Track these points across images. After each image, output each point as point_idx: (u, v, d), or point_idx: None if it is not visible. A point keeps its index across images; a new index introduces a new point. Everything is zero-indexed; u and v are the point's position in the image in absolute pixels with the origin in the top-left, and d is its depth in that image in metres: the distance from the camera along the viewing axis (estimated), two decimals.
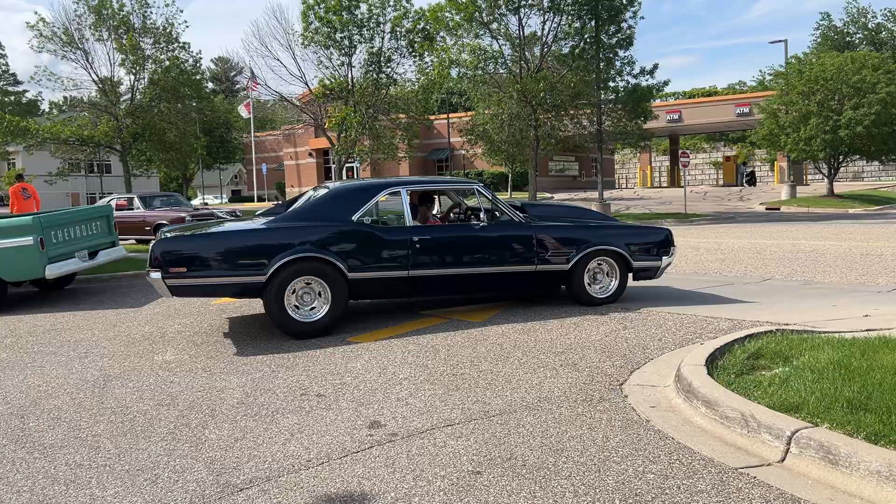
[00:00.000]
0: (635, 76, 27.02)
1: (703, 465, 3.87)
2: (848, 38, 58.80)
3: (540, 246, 7.90)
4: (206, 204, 50.23)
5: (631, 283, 9.02)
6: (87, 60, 35.82)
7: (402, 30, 28.65)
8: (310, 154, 54.89)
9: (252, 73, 53.31)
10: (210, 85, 77.88)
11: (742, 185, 53.90)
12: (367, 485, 3.86)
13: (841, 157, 33.77)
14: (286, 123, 40.63)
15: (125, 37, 35.60)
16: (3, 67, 41.59)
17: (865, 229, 19.14)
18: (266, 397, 5.52)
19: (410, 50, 27.82)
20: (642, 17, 26.69)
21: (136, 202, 20.73)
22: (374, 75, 28.46)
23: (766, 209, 31.99)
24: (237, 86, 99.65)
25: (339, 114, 29.55)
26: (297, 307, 7.25)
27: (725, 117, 50.99)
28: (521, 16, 26.03)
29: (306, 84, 31.01)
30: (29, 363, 6.99)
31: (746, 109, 47.50)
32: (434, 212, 8.69)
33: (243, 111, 59.14)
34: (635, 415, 4.71)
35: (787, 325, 6.71)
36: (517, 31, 26.41)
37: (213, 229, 7.71)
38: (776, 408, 4.24)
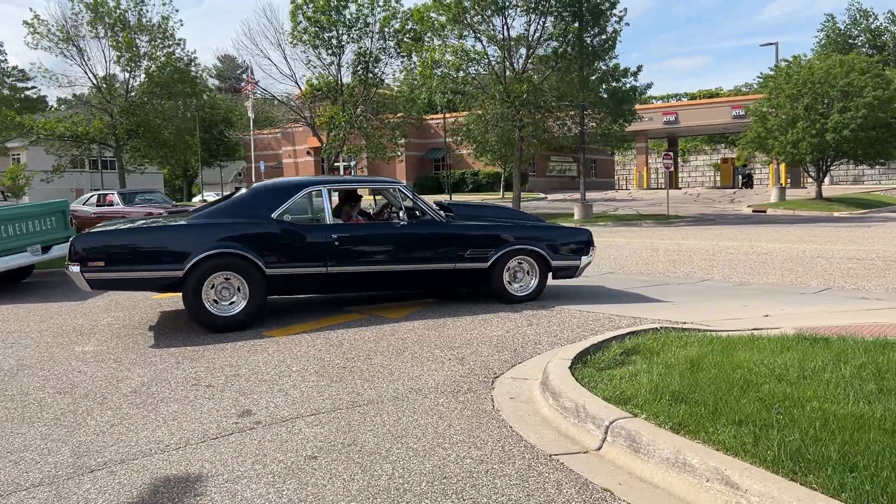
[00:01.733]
0: (617, 78, 27.18)
1: (521, 452, 4.08)
2: (851, 41, 58.84)
3: (459, 245, 8.12)
4: (204, 201, 50.64)
5: (566, 281, 9.26)
6: (83, 58, 36.20)
7: (391, 30, 28.94)
8: (308, 152, 55.20)
9: (251, 71, 53.75)
10: (216, 82, 78.42)
11: (739, 188, 53.91)
12: (207, 468, 4.08)
13: (829, 160, 33.83)
14: (280, 122, 40.94)
15: (121, 34, 35.92)
16: (3, 63, 41.99)
17: (834, 232, 19.27)
18: (159, 387, 5.75)
19: (398, 50, 28.07)
20: (627, 24, 26.69)
21: (116, 198, 21.06)
22: (362, 75, 28.72)
23: (753, 212, 32.10)
24: (242, 83, 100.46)
25: (327, 113, 29.86)
26: (216, 301, 7.49)
27: (722, 119, 51.03)
28: (506, 16, 26.24)
29: (297, 83, 31.36)
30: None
31: (743, 112, 47.57)
32: (357, 211, 8.89)
33: (250, 109, 59.67)
34: (490, 405, 4.92)
35: (683, 323, 6.92)
36: (501, 32, 26.61)
37: (134, 225, 7.96)
38: (610, 399, 4.45)
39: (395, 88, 30.39)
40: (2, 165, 53.01)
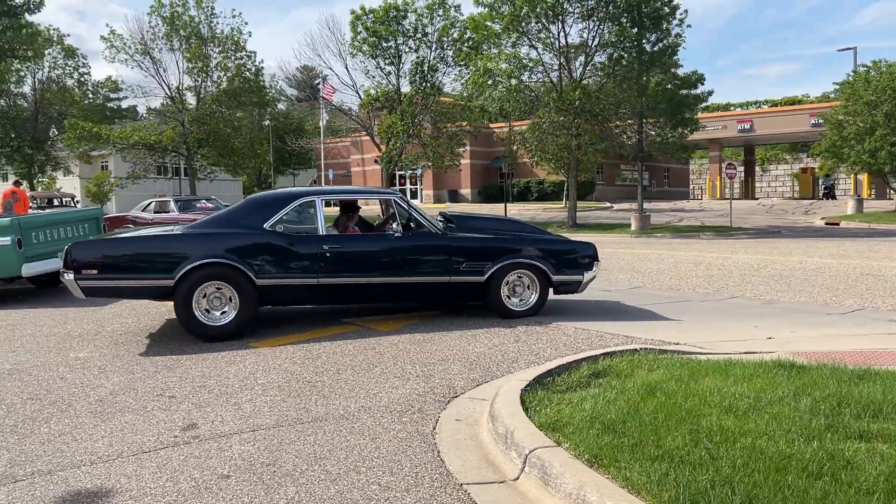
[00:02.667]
0: (678, 86, 26.43)
1: (432, 480, 3.90)
2: None
3: (454, 257, 7.95)
4: None
5: (582, 296, 8.99)
6: (158, 69, 37.54)
7: (449, 39, 28.95)
8: (375, 161, 55.69)
9: (324, 80, 54.72)
10: (294, 92, 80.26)
11: (819, 199, 51.66)
12: (121, 483, 4.05)
13: None
14: (341, 132, 41.46)
15: (194, 45, 37.08)
16: (87, 76, 43.99)
17: None
18: (124, 396, 5.78)
19: (456, 59, 28.08)
20: (689, 26, 25.90)
21: (172, 205, 21.68)
22: (419, 84, 28.82)
23: (826, 224, 30.66)
24: (319, 92, 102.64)
25: (386, 122, 30.10)
26: (207, 311, 7.53)
27: (800, 128, 49.08)
28: (563, 23, 25.86)
29: (357, 93, 31.72)
30: None
31: (821, 120, 45.62)
32: (355, 222, 8.79)
33: (323, 117, 60.85)
34: (430, 428, 4.75)
35: (676, 344, 6.58)
36: (558, 39, 26.24)
37: (129, 234, 8.09)
38: (544, 426, 4.22)
39: (454, 97, 30.33)
40: (89, 172, 55.34)
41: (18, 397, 5.88)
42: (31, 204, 29.58)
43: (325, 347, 7.11)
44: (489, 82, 24.64)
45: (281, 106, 60.70)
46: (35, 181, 44.06)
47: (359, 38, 28.90)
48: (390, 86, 29.40)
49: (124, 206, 50.10)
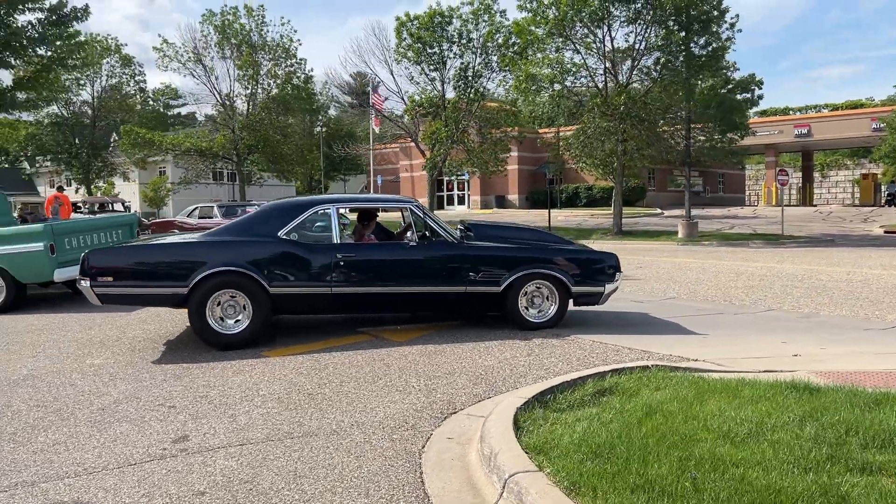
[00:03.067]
0: (731, 90, 25.76)
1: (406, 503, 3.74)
2: None
3: (470, 267, 7.77)
4: None
5: (607, 307, 8.77)
6: (209, 77, 38.26)
7: (494, 45, 28.79)
8: (423, 167, 55.91)
9: (374, 88, 55.09)
10: (348, 98, 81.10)
11: (880, 206, 49.82)
12: (98, 497, 4.00)
13: None
14: (385, 138, 41.58)
15: (245, 53, 37.66)
16: (142, 84, 45.13)
17: None
18: (126, 405, 5.77)
19: (501, 65, 27.91)
20: (739, 30, 25.21)
21: (216, 211, 21.98)
22: (463, 90, 28.73)
23: (885, 233, 29.49)
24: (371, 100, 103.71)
25: (430, 128, 30.10)
26: (221, 319, 7.51)
27: (861, 132, 47.48)
28: (610, 27, 25.46)
29: (402, 99, 31.79)
30: None
31: (883, 124, 44.05)
32: (371, 230, 8.67)
33: (373, 123, 61.34)
34: (419, 446, 4.59)
35: (693, 360, 6.30)
36: (603, 43, 25.83)
37: (146, 242, 8.12)
38: (531, 448, 4.04)
39: (499, 102, 30.14)
40: (147, 178, 56.69)
41: (26, 404, 5.92)
42: (83, 209, 30.50)
43: (334, 358, 7.01)
44: (532, 87, 24.37)
45: (332, 112, 61.35)
46: (92, 186, 45.28)
47: (403, 44, 28.96)
48: (435, 91, 29.39)
49: (181, 210, 51.27)
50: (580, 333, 7.72)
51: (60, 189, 18.98)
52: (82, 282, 7.44)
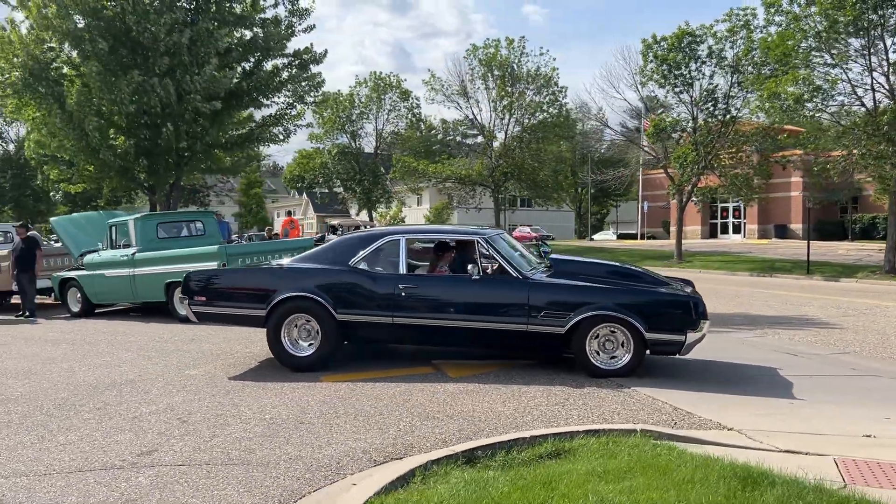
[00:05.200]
0: None
1: None
2: None
3: (531, 305, 7.30)
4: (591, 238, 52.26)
5: (725, 357, 7.82)
6: (471, 107, 40.18)
7: (748, 62, 26.62)
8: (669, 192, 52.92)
9: (647, 111, 53.77)
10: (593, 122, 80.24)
11: None
12: (22, 497, 4.47)
13: None
14: (628, 163, 39.96)
15: (506, 82, 39.00)
16: (417, 113, 48.55)
17: None
18: (157, 416, 6.26)
19: (744, 85, 25.78)
20: None
21: None
22: (711, 111, 26.95)
23: None
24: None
25: (677, 151, 28.68)
26: (296, 342, 7.90)
27: None
28: (882, 37, 22.18)
29: (651, 122, 30.63)
30: (77, 359, 9.08)
31: None
32: (447, 262, 8.41)
33: (643, 146, 59.90)
34: (308, 491, 4.46)
35: (723, 428, 5.33)
36: (878, 57, 22.53)
37: (239, 268, 8.75)
38: None
39: (754, 124, 27.66)
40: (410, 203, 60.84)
41: (92, 402, 6.74)
42: (338, 231, 33.66)
43: (377, 389, 6.95)
44: (780, 106, 21.88)
45: (608, 136, 60.87)
46: (374, 211, 49.64)
47: (649, 67, 27.92)
48: (682, 114, 27.92)
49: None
50: (650, 386, 6.86)
51: (290, 213, 21.29)
52: (183, 301, 8.27)
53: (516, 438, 4.92)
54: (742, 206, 46.02)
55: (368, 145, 47.36)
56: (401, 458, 4.86)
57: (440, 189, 42.48)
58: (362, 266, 7.89)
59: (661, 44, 27.88)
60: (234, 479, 4.66)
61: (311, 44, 20.11)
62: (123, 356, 9.31)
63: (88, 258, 13.71)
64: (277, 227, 42.89)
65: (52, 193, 37.75)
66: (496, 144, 39.18)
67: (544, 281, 7.55)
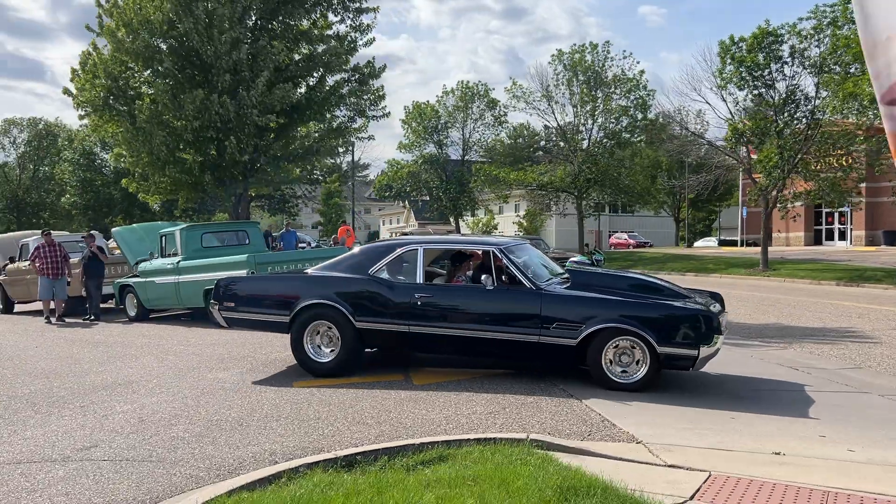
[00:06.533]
0: None
1: None
2: None
3: (543, 316, 7.33)
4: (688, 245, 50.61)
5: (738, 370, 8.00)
6: (554, 113, 39.97)
7: (835, 63, 25.31)
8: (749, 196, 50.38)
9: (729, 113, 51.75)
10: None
11: None
12: None
13: None
14: (709, 167, 38.28)
15: (591, 87, 38.61)
16: (503, 122, 48.62)
17: None
18: (117, 418, 6.65)
19: (822, 83, 24.56)
20: None
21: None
22: (792, 112, 25.79)
23: None
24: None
25: (760, 154, 27.59)
26: (319, 347, 8.23)
27: None
28: None
29: (731, 126, 29.57)
30: (101, 361, 9.75)
31: None
32: (465, 272, 8.54)
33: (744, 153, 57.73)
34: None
35: (636, 442, 5.26)
36: None
37: (266, 275, 9.22)
38: None
39: (842, 126, 26.16)
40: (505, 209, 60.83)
41: (73, 404, 7.28)
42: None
43: (332, 394, 7.22)
44: (854, 109, 20.71)
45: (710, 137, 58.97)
46: (461, 220, 50.08)
47: (727, 69, 26.96)
48: (763, 117, 26.76)
49: (563, 239, 54.25)
50: (604, 398, 6.77)
51: (343, 222, 21.94)
52: (213, 306, 8.74)
53: (406, 444, 5.04)
54: (849, 211, 43.56)
55: (455, 153, 47.85)
56: (289, 460, 5.07)
57: (525, 196, 42.40)
58: (382, 275, 8.14)
59: (740, 45, 26.92)
60: (136, 475, 4.98)
61: (374, 58, 20.58)
62: (144, 358, 9.95)
63: (142, 266, 14.65)
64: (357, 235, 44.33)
65: (153, 205, 40.07)
66: (579, 150, 38.78)
67: (557, 292, 7.57)
